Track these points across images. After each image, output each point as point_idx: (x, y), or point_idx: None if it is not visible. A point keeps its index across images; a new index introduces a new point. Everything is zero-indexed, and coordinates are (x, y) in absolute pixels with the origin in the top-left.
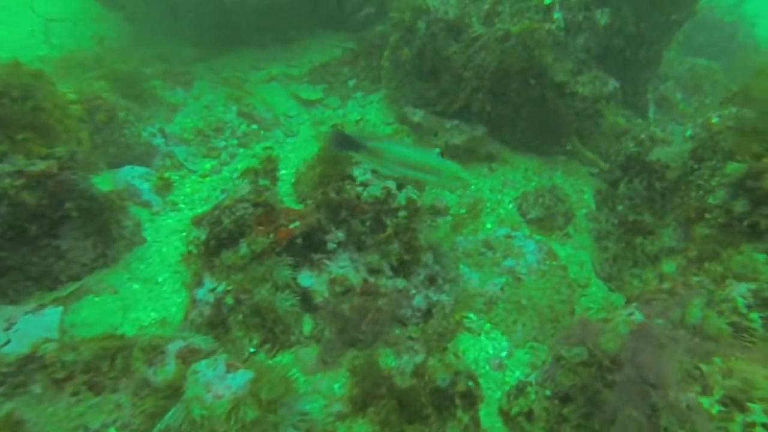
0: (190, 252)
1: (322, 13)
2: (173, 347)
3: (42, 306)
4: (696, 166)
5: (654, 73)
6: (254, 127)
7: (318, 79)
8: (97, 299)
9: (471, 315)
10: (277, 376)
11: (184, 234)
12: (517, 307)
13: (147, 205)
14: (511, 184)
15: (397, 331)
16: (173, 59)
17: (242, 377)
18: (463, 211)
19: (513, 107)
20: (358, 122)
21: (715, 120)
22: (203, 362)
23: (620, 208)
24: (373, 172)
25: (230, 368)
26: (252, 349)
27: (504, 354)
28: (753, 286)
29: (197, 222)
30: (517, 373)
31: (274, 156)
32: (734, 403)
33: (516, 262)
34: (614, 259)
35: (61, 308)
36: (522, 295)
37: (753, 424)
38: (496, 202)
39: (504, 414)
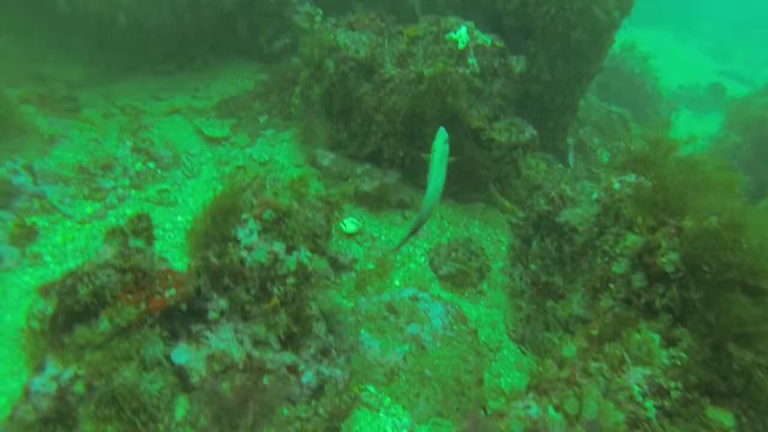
0: (32, 329)
1: (232, 41)
2: None
3: None
4: (601, 232)
5: (573, 118)
6: (151, 165)
7: (226, 113)
8: None
9: (370, 387)
10: None
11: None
12: (420, 379)
13: None
14: (425, 235)
15: (285, 412)
16: (54, 81)
17: None
18: (371, 266)
19: (429, 152)
20: (265, 164)
21: (617, 186)
22: None
23: (533, 267)
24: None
25: None
26: None
27: None
28: (648, 371)
29: (45, 291)
30: None
31: (146, 214)
32: None
33: (421, 327)
34: (527, 320)
35: None
36: (426, 365)
37: None
38: (407, 256)
39: None
